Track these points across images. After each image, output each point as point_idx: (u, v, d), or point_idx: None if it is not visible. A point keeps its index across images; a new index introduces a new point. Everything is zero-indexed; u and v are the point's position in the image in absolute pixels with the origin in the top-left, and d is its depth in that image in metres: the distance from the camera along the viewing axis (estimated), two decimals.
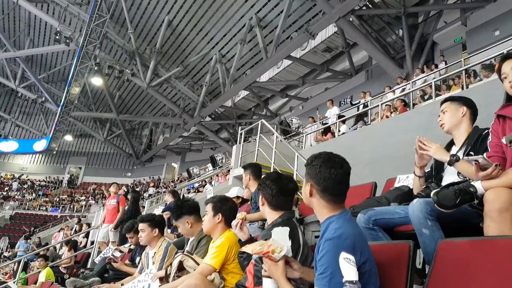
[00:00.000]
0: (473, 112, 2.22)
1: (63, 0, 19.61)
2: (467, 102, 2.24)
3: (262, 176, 2.25)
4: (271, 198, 2.06)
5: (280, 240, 1.67)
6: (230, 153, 12.98)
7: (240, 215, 2.31)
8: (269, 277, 1.67)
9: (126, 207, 6.99)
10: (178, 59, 21.47)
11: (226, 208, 2.58)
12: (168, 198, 6.68)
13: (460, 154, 2.07)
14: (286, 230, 1.69)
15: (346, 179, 1.63)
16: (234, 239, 2.45)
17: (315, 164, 1.64)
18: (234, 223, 2.26)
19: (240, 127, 8.58)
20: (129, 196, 7.30)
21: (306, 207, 3.68)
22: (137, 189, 25.49)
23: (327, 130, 9.91)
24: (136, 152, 29.67)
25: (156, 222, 3.48)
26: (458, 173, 2.02)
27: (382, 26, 14.36)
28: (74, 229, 13.14)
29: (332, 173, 1.59)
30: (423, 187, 2.15)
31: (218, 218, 2.56)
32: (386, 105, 8.34)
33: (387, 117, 7.96)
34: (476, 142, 2.05)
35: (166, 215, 5.30)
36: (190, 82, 22.42)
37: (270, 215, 2.08)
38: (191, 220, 2.93)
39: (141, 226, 3.43)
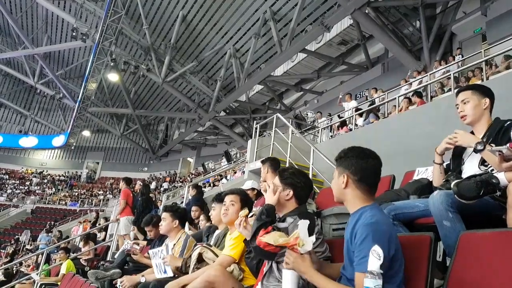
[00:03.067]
0: (493, 102, 2.15)
1: None
2: (488, 92, 2.16)
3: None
4: (302, 194, 2.13)
5: (305, 233, 1.66)
6: (245, 148, 13.02)
7: (242, 212, 2.28)
8: (292, 269, 1.66)
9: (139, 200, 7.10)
10: (192, 54, 21.56)
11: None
12: (191, 192, 6.73)
13: None
14: (306, 223, 1.70)
15: (380, 169, 1.72)
16: None
17: (350, 155, 1.71)
18: (237, 222, 2.22)
19: (255, 122, 8.58)
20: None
21: (324, 201, 3.70)
22: (150, 183, 25.92)
23: (343, 124, 9.85)
24: (152, 147, 30.01)
25: (178, 214, 3.56)
26: (480, 165, 1.99)
27: (399, 17, 14.10)
28: (92, 222, 13.41)
29: (369, 163, 1.68)
30: (443, 180, 2.12)
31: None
32: (405, 97, 8.23)
33: (407, 108, 7.85)
34: (498, 133, 2.00)
35: (194, 211, 5.27)
36: (205, 77, 22.50)
37: (291, 208, 2.11)
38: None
39: (164, 215, 3.54)
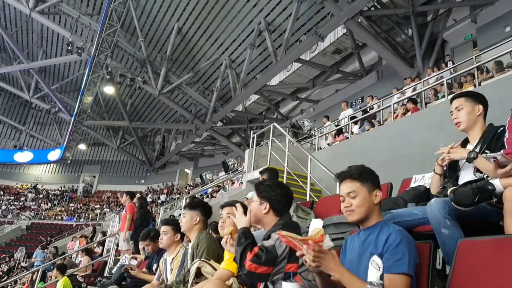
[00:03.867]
0: (486, 108, 2.17)
1: (75, 11, 20.01)
2: (481, 99, 2.18)
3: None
4: (279, 206, 2.12)
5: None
6: (242, 158, 13.02)
7: (227, 230, 2.26)
8: (318, 272, 1.59)
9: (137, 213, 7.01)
10: (188, 66, 21.64)
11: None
12: None
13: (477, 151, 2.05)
14: (320, 221, 1.69)
15: None
16: None
17: (371, 173, 1.80)
18: (223, 241, 2.21)
19: (252, 131, 8.60)
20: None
21: (322, 210, 3.69)
22: (146, 196, 25.78)
23: (339, 132, 9.87)
24: (149, 159, 29.91)
25: (179, 227, 3.48)
26: (475, 171, 2.00)
27: (391, 26, 14.26)
28: (90, 237, 13.29)
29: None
30: (440, 187, 2.13)
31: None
32: (402, 104, 8.28)
33: (403, 115, 7.89)
34: (492, 139, 2.01)
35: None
36: (201, 88, 22.56)
37: (272, 221, 2.11)
38: (200, 218, 2.96)
39: (164, 228, 3.40)
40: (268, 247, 1.91)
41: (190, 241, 3.07)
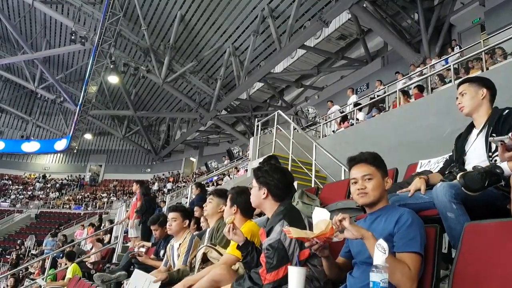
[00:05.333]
0: (493, 92, 2.15)
1: (77, 0, 19.88)
2: (486, 83, 2.17)
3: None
4: (278, 192, 2.11)
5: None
6: (247, 146, 13.03)
7: (228, 219, 2.26)
8: (326, 256, 1.72)
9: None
10: (192, 54, 21.54)
11: (241, 200, 2.55)
12: (195, 191, 6.67)
13: (482, 135, 2.04)
14: (323, 210, 1.71)
15: None
16: (256, 229, 2.46)
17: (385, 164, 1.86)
18: (225, 230, 2.20)
19: (256, 119, 8.57)
20: None
21: (327, 196, 3.70)
22: (153, 184, 25.99)
23: (344, 118, 9.82)
24: (155, 148, 30.04)
25: (188, 213, 3.51)
26: (489, 151, 1.97)
27: (397, 10, 14.07)
28: (97, 225, 13.42)
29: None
30: (447, 172, 2.12)
31: (234, 210, 2.58)
32: (400, 90, 8.18)
33: (407, 101, 7.83)
34: (498, 122, 1.99)
35: (197, 212, 5.10)
36: (205, 76, 22.50)
37: (272, 206, 2.12)
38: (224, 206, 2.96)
39: (173, 215, 3.40)
40: (273, 244, 1.88)
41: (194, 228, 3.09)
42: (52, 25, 24.56)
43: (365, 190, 1.75)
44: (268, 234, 1.99)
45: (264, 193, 2.12)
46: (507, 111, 1.99)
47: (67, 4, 20.47)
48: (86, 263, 7.17)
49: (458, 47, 10.37)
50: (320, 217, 1.68)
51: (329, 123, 10.41)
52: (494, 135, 1.92)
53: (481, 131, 2.06)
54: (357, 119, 9.02)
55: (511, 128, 1.88)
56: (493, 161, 1.89)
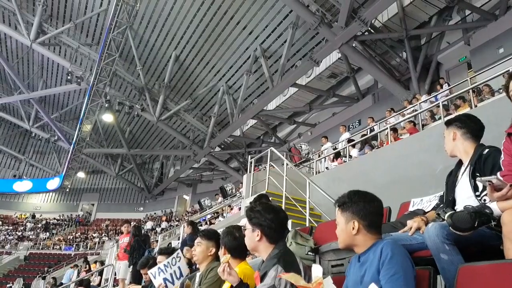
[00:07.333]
0: (470, 130, 2.15)
1: (74, 42, 20.38)
2: (459, 123, 2.19)
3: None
4: (272, 233, 2.05)
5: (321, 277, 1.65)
6: (241, 183, 12.96)
7: (224, 258, 2.22)
8: None
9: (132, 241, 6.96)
10: (186, 92, 21.87)
11: (227, 240, 2.49)
12: (187, 230, 6.53)
13: (466, 175, 2.05)
14: (319, 268, 1.69)
15: (382, 210, 1.81)
16: (249, 272, 2.40)
17: (357, 200, 1.73)
18: (220, 269, 2.14)
19: (249, 156, 8.60)
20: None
21: (321, 236, 3.64)
22: (145, 223, 25.54)
23: (338, 155, 9.86)
24: (148, 186, 29.78)
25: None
26: (476, 192, 1.97)
27: (386, 49, 14.50)
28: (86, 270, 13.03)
29: (375, 206, 1.73)
30: (435, 214, 2.11)
31: (223, 252, 2.53)
32: (391, 128, 8.27)
33: (398, 138, 7.90)
34: (478, 162, 2.00)
35: (187, 251, 4.94)
36: (199, 114, 22.73)
37: (267, 249, 2.04)
38: (215, 249, 2.86)
39: (160, 258, 3.35)
40: None
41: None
42: (49, 65, 24.99)
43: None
44: (262, 278, 1.92)
45: (257, 235, 2.04)
46: (487, 150, 2.01)
47: (64, 46, 20.94)
48: None
49: (446, 84, 10.62)
50: (315, 274, 1.68)
51: (322, 159, 10.44)
52: (478, 174, 1.93)
53: (465, 170, 2.08)
54: (350, 156, 9.07)
55: (493, 168, 1.89)
56: (482, 201, 1.88)
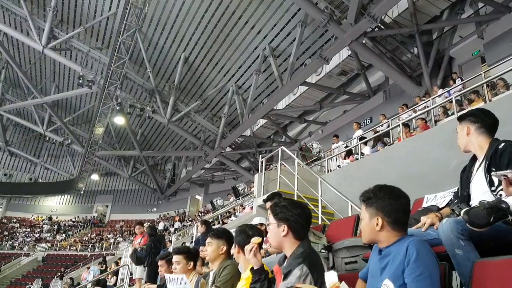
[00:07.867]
0: (484, 124, 2.12)
1: (85, 46, 20.64)
2: (473, 118, 2.16)
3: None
4: (299, 228, 1.98)
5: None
6: (252, 182, 12.95)
7: (255, 239, 2.16)
8: None
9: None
10: (196, 94, 21.98)
11: (240, 239, 2.53)
12: (201, 229, 6.54)
13: (481, 170, 2.03)
14: (334, 274, 1.68)
15: (409, 207, 1.79)
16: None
17: (382, 196, 1.70)
18: (248, 247, 2.09)
19: (260, 155, 8.60)
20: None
21: (334, 233, 3.63)
22: (158, 223, 25.74)
23: (349, 153, 9.81)
24: (160, 187, 30.03)
25: (192, 255, 3.42)
26: (492, 187, 1.94)
27: (396, 45, 14.30)
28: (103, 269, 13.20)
29: (401, 202, 1.70)
30: (450, 211, 2.08)
31: (237, 250, 2.54)
32: (403, 124, 8.20)
33: (411, 135, 7.82)
34: (494, 156, 1.97)
35: (202, 252, 4.94)
36: (209, 115, 22.82)
37: (292, 245, 1.97)
38: (226, 247, 2.88)
39: (176, 258, 3.33)
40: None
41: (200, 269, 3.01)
42: (61, 70, 25.34)
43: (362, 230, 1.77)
44: (285, 276, 1.86)
45: (283, 230, 1.96)
46: (502, 144, 1.98)
47: (75, 50, 21.22)
48: None
49: (459, 79, 10.45)
50: (330, 280, 1.67)
51: (334, 157, 10.38)
52: (493, 169, 1.90)
53: (480, 165, 2.05)
54: (362, 154, 9.00)
55: (510, 162, 1.86)
56: (497, 196, 1.86)
